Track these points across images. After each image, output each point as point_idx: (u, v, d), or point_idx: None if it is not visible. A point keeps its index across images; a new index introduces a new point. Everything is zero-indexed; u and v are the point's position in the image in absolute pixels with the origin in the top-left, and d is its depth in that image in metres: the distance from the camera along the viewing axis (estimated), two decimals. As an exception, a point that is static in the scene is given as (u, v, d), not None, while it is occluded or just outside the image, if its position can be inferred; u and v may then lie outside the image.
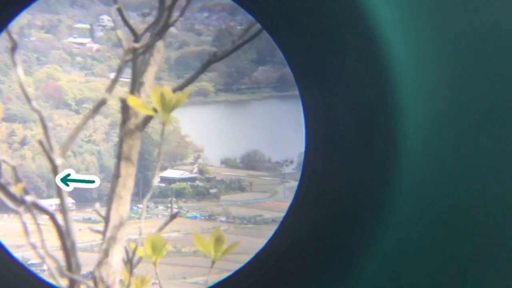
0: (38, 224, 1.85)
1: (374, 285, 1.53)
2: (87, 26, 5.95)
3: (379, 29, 1.47)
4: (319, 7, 1.51)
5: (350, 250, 1.58)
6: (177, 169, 6.45)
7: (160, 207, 6.04)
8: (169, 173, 6.34)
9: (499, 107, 1.52)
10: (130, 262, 1.83)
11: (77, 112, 5.56)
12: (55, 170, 1.96)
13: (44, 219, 1.91)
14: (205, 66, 2.24)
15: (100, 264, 1.87)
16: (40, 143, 1.93)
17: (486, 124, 1.50)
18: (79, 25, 6.04)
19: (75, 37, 6.05)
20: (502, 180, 1.51)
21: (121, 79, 2.20)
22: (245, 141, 7.17)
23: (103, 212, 2.00)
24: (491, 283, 1.48)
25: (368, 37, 1.48)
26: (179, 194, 6.37)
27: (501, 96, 1.51)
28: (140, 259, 1.92)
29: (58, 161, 1.96)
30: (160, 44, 2.21)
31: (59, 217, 1.92)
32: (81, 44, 6.05)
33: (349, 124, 1.57)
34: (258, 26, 2.33)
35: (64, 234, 1.88)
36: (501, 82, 1.50)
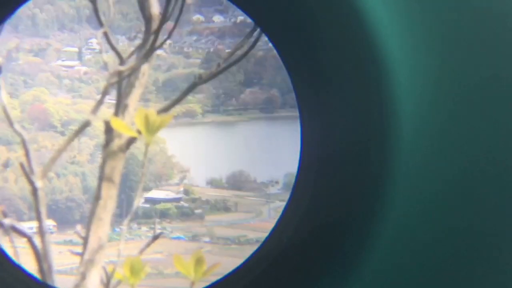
0: (15, 247, 1.84)
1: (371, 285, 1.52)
2: (76, 49, 5.99)
3: (376, 32, 1.49)
4: (317, 10, 1.53)
5: (345, 254, 1.58)
6: (162, 190, 6.43)
7: (144, 228, 6.00)
8: (154, 193, 6.32)
9: (502, 115, 1.52)
10: (107, 285, 1.83)
11: (62, 134, 5.55)
12: (35, 192, 1.96)
13: (23, 241, 1.90)
14: (190, 88, 2.27)
15: (77, 287, 1.86)
16: (21, 165, 1.93)
17: (484, 131, 1.51)
18: (68, 49, 6.08)
19: (63, 60, 6.07)
20: (503, 202, 1.51)
21: (109, 101, 2.22)
22: (231, 162, 7.19)
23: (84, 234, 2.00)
24: None
25: (365, 40, 1.50)
26: (164, 215, 6.34)
27: (504, 102, 1.51)
28: (119, 282, 1.91)
29: (39, 183, 1.96)
30: (145, 66, 2.23)
31: (38, 240, 1.91)
32: (69, 67, 6.08)
33: (344, 126, 1.59)
34: (244, 49, 2.36)
35: (41, 257, 1.87)
36: (504, 86, 1.50)
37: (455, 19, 1.45)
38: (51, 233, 1.98)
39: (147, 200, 6.08)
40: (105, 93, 2.16)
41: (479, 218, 1.49)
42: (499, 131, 1.46)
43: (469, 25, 1.45)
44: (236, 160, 7.35)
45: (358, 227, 1.55)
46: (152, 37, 2.18)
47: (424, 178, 1.50)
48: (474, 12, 1.44)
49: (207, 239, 6.25)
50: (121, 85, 2.20)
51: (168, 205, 6.20)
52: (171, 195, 6.31)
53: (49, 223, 1.99)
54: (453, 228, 1.49)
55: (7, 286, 1.60)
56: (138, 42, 2.25)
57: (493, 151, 1.46)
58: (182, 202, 6.38)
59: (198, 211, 6.51)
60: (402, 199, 1.50)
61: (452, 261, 1.49)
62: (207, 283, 1.72)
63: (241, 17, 6.98)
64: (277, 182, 7.51)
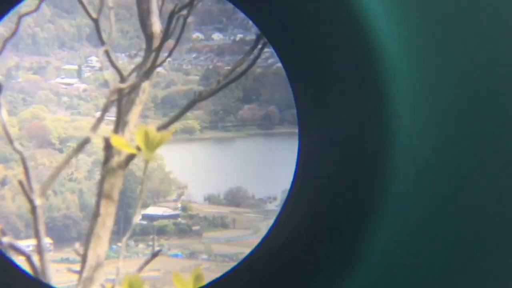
0: (14, 266, 1.82)
1: (369, 286, 1.51)
2: (75, 67, 6.00)
3: (374, 31, 1.49)
4: (315, 10, 1.53)
5: (345, 250, 1.57)
6: (160, 206, 6.39)
7: (141, 245, 5.95)
8: (152, 210, 6.27)
9: (499, 116, 1.50)
10: (106, 305, 1.80)
11: (60, 151, 5.52)
12: (34, 210, 1.94)
13: (21, 260, 1.88)
14: (190, 105, 2.27)
15: (76, 306, 1.84)
16: (20, 183, 1.92)
17: (482, 132, 1.49)
18: (67, 66, 6.09)
19: (62, 78, 6.08)
20: (504, 198, 1.49)
21: (108, 117, 2.22)
22: (229, 178, 7.17)
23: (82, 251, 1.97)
24: None
25: (363, 40, 1.49)
26: (161, 232, 6.29)
27: (502, 104, 1.50)
28: (117, 300, 1.89)
29: (38, 201, 1.95)
30: (145, 84, 2.23)
31: (36, 258, 1.89)
32: (68, 84, 6.08)
33: (342, 125, 1.58)
34: (243, 66, 2.36)
35: (40, 276, 1.85)
36: (501, 84, 1.48)
37: (454, 20, 1.44)
38: (48, 251, 1.95)
39: (145, 217, 6.02)
40: (105, 110, 2.15)
41: (479, 217, 1.48)
42: (499, 124, 1.45)
43: (467, 24, 1.44)
44: (234, 176, 7.33)
45: (355, 231, 1.54)
46: (153, 55, 2.18)
47: (422, 186, 1.49)
48: (472, 11, 1.43)
49: (204, 256, 6.19)
50: (121, 102, 2.19)
51: (166, 221, 6.15)
52: (169, 211, 6.26)
53: (46, 241, 1.97)
54: (452, 231, 1.48)
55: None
56: (138, 60, 2.26)
57: (493, 146, 1.45)
58: (179, 219, 6.33)
59: (195, 227, 6.45)
60: (399, 206, 1.50)
61: (451, 262, 1.48)
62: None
63: (240, 35, 7.01)
64: (275, 198, 7.48)
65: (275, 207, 7.30)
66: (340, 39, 1.55)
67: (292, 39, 1.60)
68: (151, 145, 1.76)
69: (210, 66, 6.53)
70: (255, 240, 6.90)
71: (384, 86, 1.51)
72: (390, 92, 1.50)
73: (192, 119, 6.65)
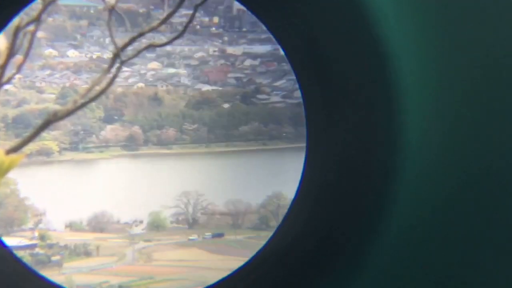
0: None
1: (373, 285, 1.48)
2: None
3: (381, 28, 1.46)
4: (321, 6, 1.50)
5: (351, 249, 1.54)
6: (15, 236, 5.90)
7: (-8, 281, 5.41)
8: (5, 240, 5.74)
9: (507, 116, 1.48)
10: None
11: None
12: None
13: None
14: (45, 125, 2.09)
15: None
16: None
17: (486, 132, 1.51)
18: None
19: None
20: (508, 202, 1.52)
21: None
22: (92, 202, 6.83)
23: None
24: None
25: (370, 35, 1.46)
26: (16, 264, 5.75)
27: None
28: None
29: None
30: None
31: None
32: None
33: (349, 121, 1.55)
34: (102, 85, 2.24)
35: None
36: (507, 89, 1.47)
37: (465, 30, 1.45)
38: None
39: (-4, 249, 5.54)
40: None
41: (482, 220, 1.50)
42: (504, 132, 1.47)
43: (477, 33, 1.46)
44: (98, 200, 7.00)
45: (360, 233, 1.52)
46: (-2, 71, 1.99)
47: (426, 192, 1.49)
48: (481, 18, 1.45)
49: (65, 288, 5.82)
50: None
51: (21, 252, 5.71)
52: (25, 241, 5.83)
53: None
54: (454, 239, 1.50)
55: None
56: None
57: (497, 153, 1.48)
58: (37, 249, 5.91)
59: (55, 258, 6.05)
60: (404, 211, 1.50)
61: (454, 267, 1.49)
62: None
63: (97, 52, 6.77)
64: (141, 222, 7.26)
65: (141, 230, 7.08)
66: (351, 44, 1.50)
67: (306, 50, 1.57)
68: (-1, 169, 1.58)
69: (67, 84, 6.23)
70: (120, 267, 6.62)
71: (394, 95, 1.47)
72: (400, 98, 1.47)
73: (49, 140, 6.27)
